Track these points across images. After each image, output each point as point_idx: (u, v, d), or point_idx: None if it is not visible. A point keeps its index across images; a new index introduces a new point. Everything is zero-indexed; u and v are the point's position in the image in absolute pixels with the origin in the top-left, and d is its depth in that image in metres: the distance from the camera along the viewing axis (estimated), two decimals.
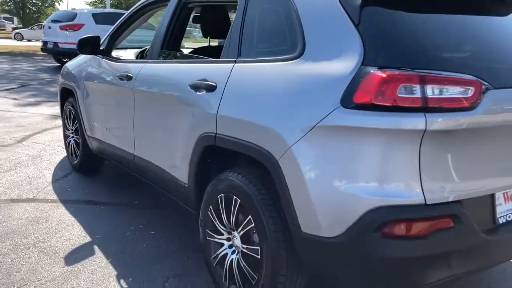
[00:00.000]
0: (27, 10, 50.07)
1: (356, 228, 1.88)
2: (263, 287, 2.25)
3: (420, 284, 1.97)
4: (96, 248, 3.15)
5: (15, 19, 51.32)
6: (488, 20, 2.29)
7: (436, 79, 1.83)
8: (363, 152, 1.88)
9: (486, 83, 1.93)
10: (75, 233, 3.35)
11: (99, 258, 3.01)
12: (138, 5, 3.76)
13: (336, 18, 2.07)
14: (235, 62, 2.51)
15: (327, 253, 2.01)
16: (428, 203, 1.87)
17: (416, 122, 1.80)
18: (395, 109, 1.82)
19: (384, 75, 1.83)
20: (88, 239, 3.27)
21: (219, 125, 2.45)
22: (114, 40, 4.00)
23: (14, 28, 40.56)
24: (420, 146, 1.83)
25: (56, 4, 52.52)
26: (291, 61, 2.18)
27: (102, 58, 3.96)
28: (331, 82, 1.97)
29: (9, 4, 50.87)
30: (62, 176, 4.55)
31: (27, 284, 2.68)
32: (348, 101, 1.88)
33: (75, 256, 3.03)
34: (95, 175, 4.63)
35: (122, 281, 2.76)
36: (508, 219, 2.20)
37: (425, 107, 1.81)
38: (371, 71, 1.86)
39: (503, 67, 2.09)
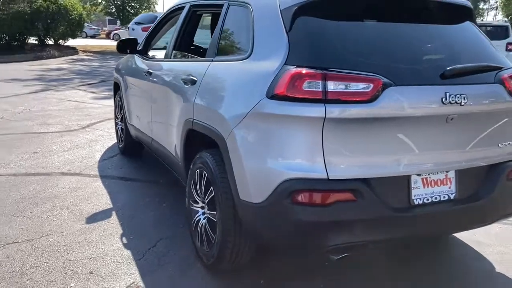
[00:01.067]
0: (126, 13, 53.91)
1: (274, 195, 2.32)
2: (217, 245, 2.75)
3: (324, 245, 2.36)
4: (113, 212, 3.82)
5: (118, 21, 55.38)
6: (396, 27, 2.61)
7: (336, 76, 2.22)
8: (279, 134, 2.31)
9: (387, 80, 2.27)
10: (102, 201, 4.05)
11: (113, 220, 3.67)
12: (165, 13, 4.40)
13: (275, 25, 2.52)
14: (211, 61, 3.04)
15: (256, 216, 2.46)
16: (330, 178, 2.26)
17: (317, 111, 2.20)
18: (302, 100, 2.24)
19: (293, 72, 2.25)
20: (110, 205, 3.96)
21: (195, 112, 3.00)
22: (149, 41, 4.68)
23: (109, 31, 44.00)
24: (323, 131, 2.23)
25: (152, 6, 56.08)
26: (242, 61, 2.67)
27: (138, 57, 4.66)
28: (262, 77, 2.42)
29: (111, 7, 55.10)
30: (109, 157, 5.34)
31: (52, 234, 3.39)
32: (270, 93, 2.33)
33: (95, 217, 3.72)
34: (136, 158, 5.36)
35: (124, 238, 3.38)
36: (426, 201, 2.50)
37: (325, 99, 2.20)
38: (287, 69, 2.29)
39: (405, 68, 2.41)
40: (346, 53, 2.37)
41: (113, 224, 3.60)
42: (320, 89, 2.20)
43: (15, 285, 2.74)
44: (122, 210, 3.88)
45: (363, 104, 2.23)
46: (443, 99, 2.36)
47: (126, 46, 4.58)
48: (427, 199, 2.51)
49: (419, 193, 2.48)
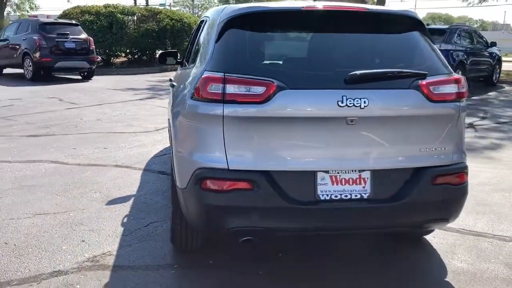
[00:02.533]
0: None
1: (190, 182, 2.73)
2: (172, 224, 3.23)
3: (223, 227, 2.68)
4: (133, 198, 4.49)
5: None
6: (308, 37, 2.81)
7: (234, 80, 2.56)
8: (195, 129, 2.72)
9: (281, 84, 2.54)
10: (131, 189, 4.76)
11: (128, 204, 4.34)
12: (196, 26, 5.02)
13: (212, 36, 2.93)
14: (182, 68, 3.55)
15: (182, 200, 2.88)
16: (230, 168, 2.60)
17: (217, 110, 2.57)
18: (208, 100, 2.62)
19: (204, 77, 2.65)
20: (134, 193, 4.65)
21: (170, 109, 3.53)
22: (187, 52, 5.33)
23: None
24: (223, 127, 2.58)
25: None
26: (191, 68, 3.14)
27: (180, 67, 5.33)
28: (193, 81, 2.85)
29: None
30: (160, 155, 6.10)
31: (74, 210, 4.17)
32: (193, 95, 2.75)
33: (116, 201, 4.42)
34: None
35: (126, 218, 4.02)
36: (334, 198, 2.69)
37: (224, 100, 2.56)
38: (203, 75, 2.70)
39: (305, 73, 2.63)
40: (252, 60, 2.70)
41: (126, 207, 4.27)
42: (220, 91, 2.57)
43: (24, 244, 3.51)
44: (141, 197, 4.53)
45: (257, 105, 2.54)
46: (339, 102, 2.55)
47: (166, 57, 5.28)
48: (336, 196, 2.68)
49: (327, 189, 2.68)
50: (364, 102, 2.56)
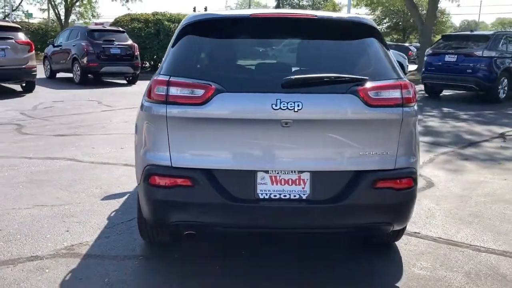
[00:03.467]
0: None
1: (142, 178, 2.92)
2: (138, 219, 3.44)
3: (166, 220, 2.84)
4: (127, 196, 4.75)
5: None
6: (255, 44, 2.91)
7: (176, 82, 2.73)
8: (146, 129, 2.91)
9: (219, 87, 2.68)
10: (131, 187, 5.02)
11: (121, 200, 4.61)
12: None
13: (172, 41, 3.11)
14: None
15: (139, 196, 3.08)
16: (173, 166, 2.77)
17: (161, 110, 2.75)
18: (155, 101, 2.80)
19: (153, 80, 2.83)
20: (131, 190, 4.92)
21: None
22: None
23: None
24: (167, 127, 2.75)
25: None
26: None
27: None
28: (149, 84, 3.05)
29: None
30: None
31: (71, 203, 4.49)
32: (145, 96, 2.94)
33: (111, 197, 4.70)
34: None
35: (114, 213, 4.28)
36: (273, 197, 2.79)
37: (167, 101, 2.73)
38: (154, 77, 2.88)
39: (243, 77, 2.76)
40: (199, 64, 2.85)
41: (118, 203, 4.54)
42: (164, 93, 2.74)
43: (16, 231, 3.84)
44: (135, 194, 4.78)
45: (197, 106, 2.69)
46: (273, 105, 2.65)
47: None
48: (275, 195, 2.78)
49: (266, 188, 2.78)
50: (298, 106, 2.65)
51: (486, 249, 3.64)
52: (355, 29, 3.01)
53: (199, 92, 2.69)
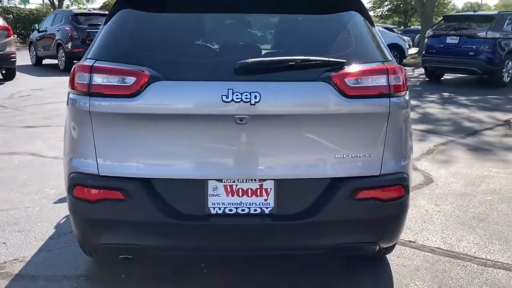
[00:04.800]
0: None
1: (67, 188, 2.35)
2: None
3: (93, 242, 2.28)
4: None
5: None
6: (191, 21, 2.32)
7: (101, 68, 2.14)
8: (70, 126, 2.33)
9: (155, 74, 2.10)
10: None
11: None
12: None
13: (103, 24, 2.51)
14: None
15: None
16: (101, 174, 2.20)
17: (83, 104, 2.17)
18: (78, 92, 2.22)
19: (74, 66, 2.25)
20: None
21: None
22: None
23: None
24: (92, 125, 2.18)
25: None
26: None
27: None
28: None
29: None
30: None
31: (18, 207, 3.93)
32: (70, 86, 2.35)
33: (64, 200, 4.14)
34: None
35: (62, 220, 3.71)
36: (228, 212, 2.23)
37: (90, 92, 2.15)
38: (76, 63, 2.30)
39: (187, 62, 2.17)
40: (132, 46, 2.26)
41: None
42: (87, 82, 2.16)
43: None
44: None
45: (126, 99, 2.11)
46: (224, 97, 2.07)
47: None
48: (230, 210, 2.22)
49: (220, 201, 2.22)
50: (255, 97, 2.07)
51: (493, 263, 3.09)
52: (330, 2, 2.41)
53: (129, 80, 2.11)
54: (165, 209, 2.17)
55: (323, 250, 2.42)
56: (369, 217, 2.24)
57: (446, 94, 10.81)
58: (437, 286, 2.80)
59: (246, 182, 2.21)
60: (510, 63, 12.07)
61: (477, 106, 9.24)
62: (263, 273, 2.90)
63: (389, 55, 2.35)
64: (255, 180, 2.21)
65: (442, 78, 13.47)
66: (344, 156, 2.19)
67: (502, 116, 8.17)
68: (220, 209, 2.21)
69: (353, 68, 2.17)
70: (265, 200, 2.22)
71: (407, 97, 2.32)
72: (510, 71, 12.12)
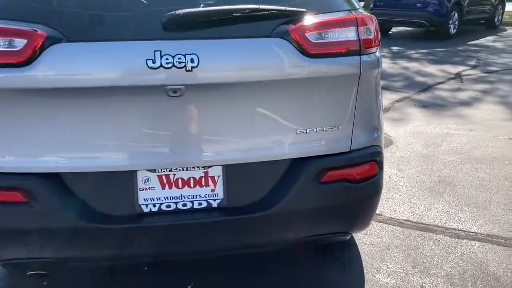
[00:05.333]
0: None
1: None
2: None
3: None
4: None
5: None
6: None
7: None
8: None
9: (54, 34, 1.55)
10: None
11: None
12: None
13: None
14: None
15: None
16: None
17: None
18: None
19: None
20: None
21: None
22: None
23: None
24: None
25: None
26: None
27: None
28: None
29: None
30: None
31: None
32: None
33: None
34: None
35: None
36: (166, 208, 1.76)
37: None
38: None
39: (93, 17, 1.63)
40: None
41: None
42: None
43: None
44: None
45: (15, 69, 1.56)
46: (150, 62, 1.57)
47: None
48: (168, 206, 1.76)
49: (154, 196, 1.75)
50: (192, 61, 1.58)
51: (466, 234, 2.82)
52: None
53: (18, 43, 1.55)
54: (82, 211, 1.68)
55: (285, 246, 2.03)
56: (339, 203, 1.85)
57: (395, 48, 10.58)
58: (411, 266, 2.49)
59: (187, 170, 1.75)
60: (456, 14, 11.98)
61: (426, 60, 9.06)
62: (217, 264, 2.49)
63: (356, 2, 1.90)
64: (198, 167, 1.75)
65: (390, 32, 13.26)
66: (307, 131, 1.76)
67: (452, 69, 8.02)
68: (154, 206, 1.75)
69: (315, 19, 1.71)
70: (212, 190, 1.77)
71: (378, 53, 1.90)
72: (456, 22, 12.05)
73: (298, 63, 1.68)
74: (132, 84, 1.59)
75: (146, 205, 1.74)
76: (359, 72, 1.78)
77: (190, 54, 1.57)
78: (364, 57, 1.78)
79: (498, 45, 10.98)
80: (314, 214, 1.83)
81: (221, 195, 1.78)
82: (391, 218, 3.02)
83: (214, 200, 1.78)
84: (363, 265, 2.51)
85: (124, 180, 1.72)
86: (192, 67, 1.58)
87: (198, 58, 1.58)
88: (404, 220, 2.99)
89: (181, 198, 1.76)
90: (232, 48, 1.64)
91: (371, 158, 1.89)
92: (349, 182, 1.84)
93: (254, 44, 1.66)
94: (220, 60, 1.63)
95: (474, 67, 8.26)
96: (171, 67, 1.57)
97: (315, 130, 1.77)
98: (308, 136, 1.77)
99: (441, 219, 2.99)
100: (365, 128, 1.88)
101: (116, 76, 1.58)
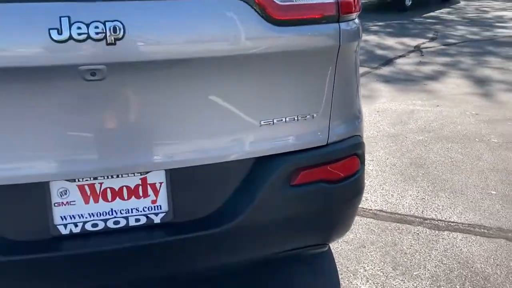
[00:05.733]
0: None
1: None
2: None
3: None
4: None
5: None
6: None
7: None
8: None
9: None
10: None
11: None
12: None
13: None
14: None
15: None
16: None
17: None
18: None
19: None
20: None
21: None
22: None
23: None
24: None
25: None
26: None
27: None
28: None
29: None
30: None
31: None
32: None
33: None
34: None
35: None
36: (91, 229, 1.33)
37: None
38: None
39: None
40: None
41: None
42: None
43: None
44: None
45: None
46: (55, 33, 1.12)
47: None
48: (95, 225, 1.34)
49: (74, 212, 1.32)
50: (115, 31, 1.15)
51: (446, 224, 2.55)
52: None
53: None
54: None
55: (252, 264, 1.66)
56: (316, 209, 1.49)
57: None
58: (391, 268, 2.19)
59: (118, 177, 1.32)
60: None
61: (384, 32, 8.83)
62: None
63: None
64: (132, 173, 1.33)
65: None
66: (274, 121, 1.38)
67: (412, 42, 7.82)
68: (76, 225, 1.32)
69: None
70: (153, 202, 1.36)
71: (358, 21, 1.52)
72: None
73: (260, 33, 1.27)
74: (31, 65, 1.14)
75: (65, 225, 1.31)
76: (338, 44, 1.39)
77: (112, 21, 1.14)
78: (343, 25, 1.40)
79: (453, 17, 10.91)
80: (286, 225, 1.46)
81: (165, 207, 1.37)
82: (364, 208, 2.71)
83: (156, 214, 1.37)
84: (338, 268, 2.19)
85: (33, 195, 1.28)
86: (115, 39, 1.14)
87: (123, 26, 1.15)
88: (378, 210, 2.69)
89: (112, 214, 1.34)
90: (171, 12, 1.21)
91: (352, 151, 1.53)
92: (327, 182, 1.48)
93: (201, 7, 1.24)
94: (154, 29, 1.20)
95: (432, 39, 8.09)
96: (85, 40, 1.13)
97: (284, 120, 1.38)
98: (276, 128, 1.38)
99: (417, 208, 2.71)
100: (345, 115, 1.52)
101: (7, 55, 1.13)
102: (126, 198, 1.35)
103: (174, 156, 1.32)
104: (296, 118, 1.40)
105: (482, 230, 2.50)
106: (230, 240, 1.40)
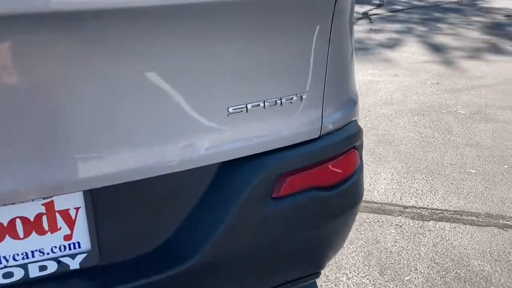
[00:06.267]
0: None
1: None
2: None
3: None
4: None
5: None
6: None
7: None
8: None
9: None
10: None
11: None
12: None
13: None
14: None
15: None
16: None
17: None
18: None
19: None
20: None
21: None
22: None
23: None
24: None
25: None
26: None
27: None
28: None
29: None
30: None
31: None
32: None
33: None
34: None
35: None
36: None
37: None
38: None
39: None
40: None
41: None
42: None
43: None
44: None
45: None
46: None
47: None
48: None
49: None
50: None
51: (430, 212, 2.23)
52: None
53: None
54: None
55: None
56: (307, 227, 1.06)
57: None
58: (378, 272, 1.84)
59: (6, 205, 0.83)
60: None
61: None
62: None
63: None
64: (31, 198, 0.83)
65: None
66: (248, 107, 0.92)
67: (358, 8, 7.50)
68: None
69: None
70: (67, 238, 0.88)
71: None
72: None
73: None
74: None
75: None
76: (333, 7, 0.95)
77: None
78: None
79: None
80: (268, 256, 1.03)
81: (85, 245, 0.90)
82: None
83: (73, 256, 0.89)
84: (316, 280, 1.80)
85: None
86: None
87: None
88: None
89: (2, 262, 0.85)
90: None
91: (351, 143, 1.11)
92: (321, 189, 1.05)
93: None
94: None
95: (379, 6, 7.82)
96: None
97: (261, 105, 0.93)
98: (250, 118, 0.93)
99: (394, 194, 2.38)
100: (340, 96, 1.09)
101: None
102: (21, 236, 0.85)
103: (96, 168, 0.84)
104: (278, 102, 0.95)
105: (470, 217, 2.20)
106: (186, 283, 0.95)
